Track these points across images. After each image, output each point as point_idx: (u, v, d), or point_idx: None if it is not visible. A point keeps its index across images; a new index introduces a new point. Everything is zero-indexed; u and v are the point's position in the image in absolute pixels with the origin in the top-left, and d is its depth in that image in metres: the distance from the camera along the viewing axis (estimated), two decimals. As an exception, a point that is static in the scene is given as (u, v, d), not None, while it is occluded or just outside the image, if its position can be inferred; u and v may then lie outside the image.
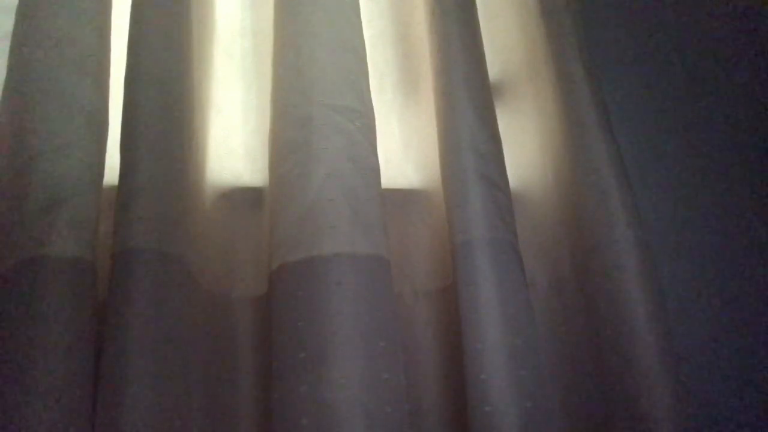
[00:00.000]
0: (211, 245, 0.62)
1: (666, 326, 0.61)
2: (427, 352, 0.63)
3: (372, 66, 0.67)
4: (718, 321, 0.80)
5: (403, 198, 0.71)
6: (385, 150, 0.70)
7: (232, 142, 0.68)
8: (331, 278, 0.53)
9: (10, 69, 0.55)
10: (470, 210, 0.61)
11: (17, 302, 0.47)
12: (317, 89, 0.60)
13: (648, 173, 0.85)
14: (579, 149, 0.69)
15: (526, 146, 0.75)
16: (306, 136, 0.58)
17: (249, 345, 0.60)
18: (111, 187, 0.55)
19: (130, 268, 0.50)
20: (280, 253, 0.55)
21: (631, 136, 0.86)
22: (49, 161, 0.51)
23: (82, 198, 0.51)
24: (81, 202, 0.51)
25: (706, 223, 0.85)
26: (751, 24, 1.00)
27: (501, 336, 0.56)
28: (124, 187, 0.53)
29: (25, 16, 0.57)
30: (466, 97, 0.65)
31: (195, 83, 0.62)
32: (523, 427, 0.54)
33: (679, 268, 0.81)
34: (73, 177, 0.51)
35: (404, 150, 0.73)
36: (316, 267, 0.54)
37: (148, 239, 0.51)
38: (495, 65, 0.77)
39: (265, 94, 0.66)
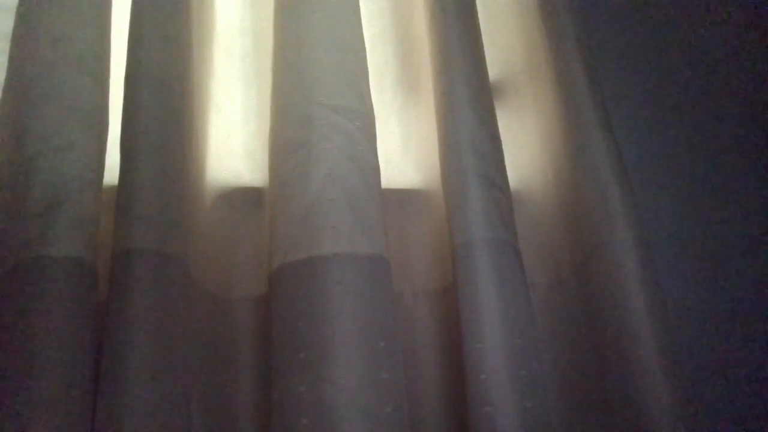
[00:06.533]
0: (211, 245, 0.62)
1: (666, 326, 0.61)
2: (427, 352, 0.63)
3: (372, 66, 0.67)
4: (718, 320, 0.80)
5: (403, 198, 0.71)
6: (385, 150, 0.70)
7: (232, 142, 0.68)
8: (331, 278, 0.53)
9: (10, 69, 0.55)
10: (470, 210, 0.61)
11: (17, 302, 0.47)
12: (317, 89, 0.60)
13: (648, 173, 0.85)
14: (579, 149, 0.69)
15: (526, 146, 0.75)
16: (306, 136, 0.58)
17: (249, 345, 0.60)
18: (111, 187, 0.55)
19: (130, 268, 0.50)
20: (280, 253, 0.55)
21: (631, 136, 0.86)
22: (49, 161, 0.51)
23: (82, 198, 0.51)
24: (81, 202, 0.51)
25: (706, 223, 0.85)
26: (751, 23, 1.00)
27: (501, 336, 0.56)
28: (124, 187, 0.53)
29: (25, 16, 0.57)
30: (466, 97, 0.65)
31: (195, 83, 0.62)
32: (523, 427, 0.54)
33: (679, 268, 0.81)
34: (73, 177, 0.51)
35: (404, 150, 0.73)
36: (316, 267, 0.54)
37: (148, 239, 0.51)
38: (495, 65, 0.77)
39: (265, 94, 0.66)
